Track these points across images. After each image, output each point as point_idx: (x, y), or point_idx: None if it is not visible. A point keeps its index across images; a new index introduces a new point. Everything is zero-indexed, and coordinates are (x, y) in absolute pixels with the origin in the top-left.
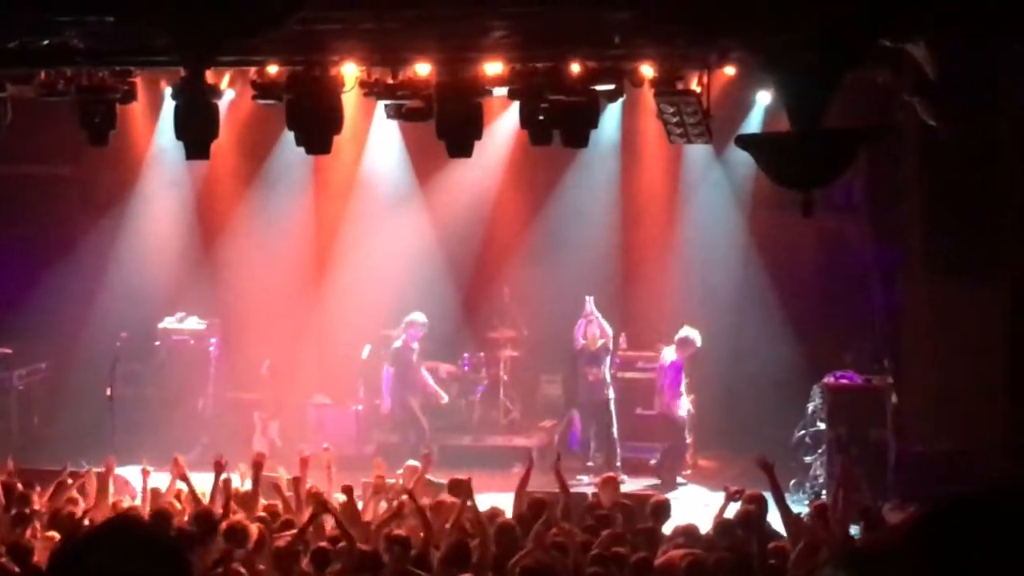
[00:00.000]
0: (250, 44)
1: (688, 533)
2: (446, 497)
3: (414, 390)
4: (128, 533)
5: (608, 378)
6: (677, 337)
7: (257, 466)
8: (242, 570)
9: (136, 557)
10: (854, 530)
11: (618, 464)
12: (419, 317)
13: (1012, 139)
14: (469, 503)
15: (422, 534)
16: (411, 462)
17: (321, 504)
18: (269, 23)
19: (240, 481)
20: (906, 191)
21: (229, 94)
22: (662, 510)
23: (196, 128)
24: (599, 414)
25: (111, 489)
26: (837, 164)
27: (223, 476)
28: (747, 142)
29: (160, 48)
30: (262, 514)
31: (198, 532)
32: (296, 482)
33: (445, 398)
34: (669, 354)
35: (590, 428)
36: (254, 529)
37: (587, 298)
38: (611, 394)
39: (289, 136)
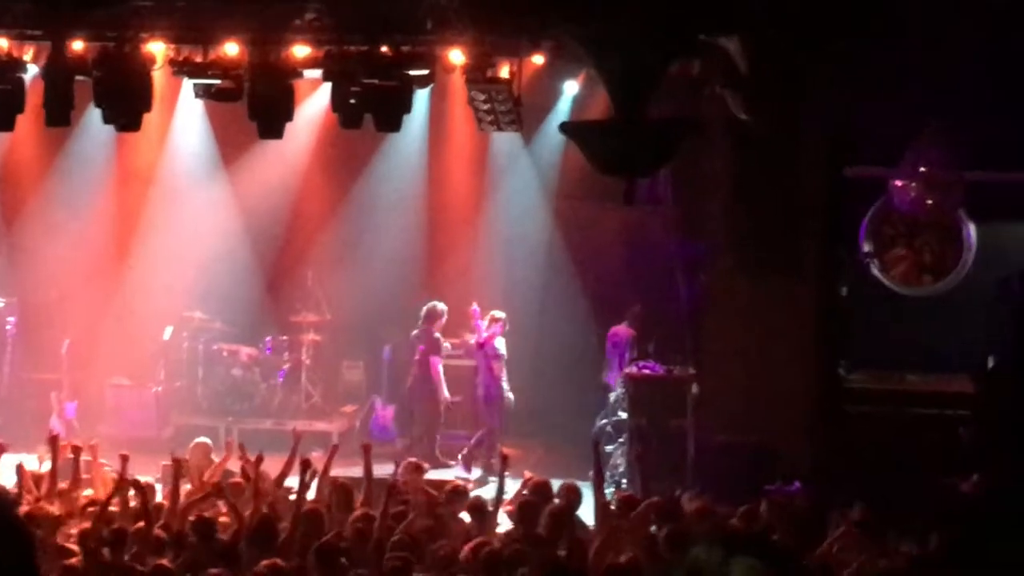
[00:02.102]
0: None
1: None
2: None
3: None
4: None
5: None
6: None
7: (53, 446)
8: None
9: None
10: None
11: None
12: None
13: (817, 136)
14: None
15: (230, 518)
16: (200, 439)
17: (123, 485)
18: None
19: (39, 462)
20: (711, 185)
21: (32, 69)
22: (458, 496)
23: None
24: (498, 407)
25: None
26: (662, 152)
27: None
28: (572, 129)
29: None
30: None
31: None
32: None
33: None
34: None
35: (493, 421)
36: (55, 512)
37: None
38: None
39: (94, 112)
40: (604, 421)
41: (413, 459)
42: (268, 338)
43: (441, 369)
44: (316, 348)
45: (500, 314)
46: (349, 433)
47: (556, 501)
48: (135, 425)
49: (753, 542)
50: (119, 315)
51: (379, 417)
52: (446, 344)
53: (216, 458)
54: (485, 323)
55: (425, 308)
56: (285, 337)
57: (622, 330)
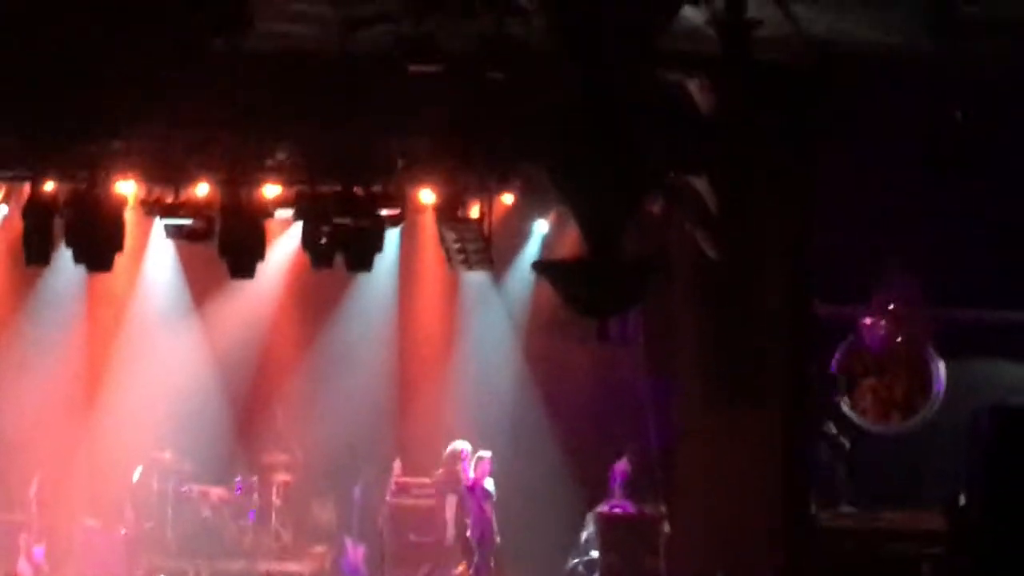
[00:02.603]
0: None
1: None
2: None
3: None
4: None
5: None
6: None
7: None
8: None
9: None
10: None
11: None
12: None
13: (786, 274)
14: None
15: None
16: None
17: None
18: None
19: None
20: (678, 321)
21: (2, 209)
22: None
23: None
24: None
25: None
26: (636, 292)
27: None
28: (545, 269)
29: None
30: None
31: None
32: None
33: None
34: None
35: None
36: None
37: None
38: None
39: (65, 252)
40: (576, 560)
41: None
42: (238, 478)
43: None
44: (286, 488)
45: (486, 453)
46: (319, 574)
47: None
48: (104, 568)
49: None
50: (89, 454)
51: (349, 557)
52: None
53: None
54: (472, 464)
55: (449, 450)
56: (255, 477)
57: (620, 465)
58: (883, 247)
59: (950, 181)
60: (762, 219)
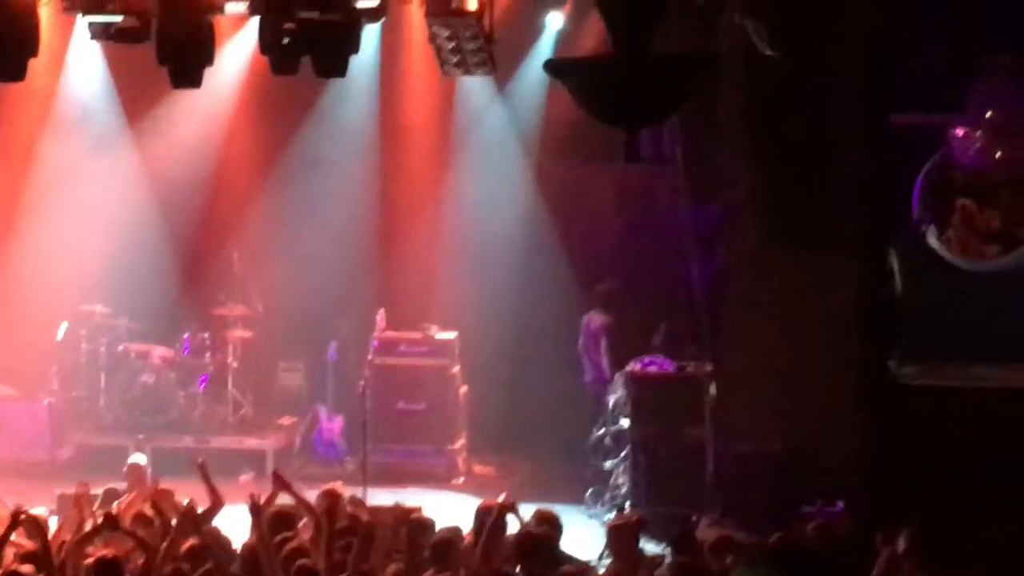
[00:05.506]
0: None
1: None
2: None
3: None
4: None
5: None
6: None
7: None
8: None
9: None
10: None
11: None
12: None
13: (857, 75)
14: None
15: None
16: (135, 457)
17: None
18: None
19: None
20: (727, 138)
21: None
22: (423, 528)
23: None
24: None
25: None
26: (673, 96)
27: None
28: (560, 68)
29: None
30: None
31: None
32: None
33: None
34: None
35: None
36: None
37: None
38: None
39: None
40: (602, 431)
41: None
42: (186, 336)
43: None
44: (245, 347)
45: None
46: (287, 451)
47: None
48: (23, 445)
49: (801, 564)
50: (1, 308)
51: (324, 431)
52: None
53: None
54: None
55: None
56: (207, 334)
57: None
58: (980, 41)
59: None
60: (829, 5)
